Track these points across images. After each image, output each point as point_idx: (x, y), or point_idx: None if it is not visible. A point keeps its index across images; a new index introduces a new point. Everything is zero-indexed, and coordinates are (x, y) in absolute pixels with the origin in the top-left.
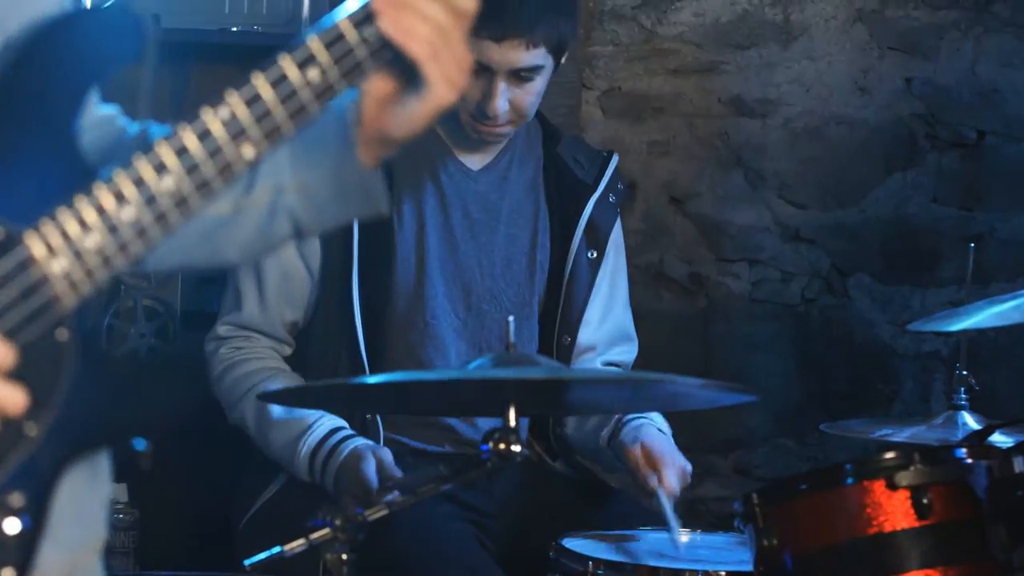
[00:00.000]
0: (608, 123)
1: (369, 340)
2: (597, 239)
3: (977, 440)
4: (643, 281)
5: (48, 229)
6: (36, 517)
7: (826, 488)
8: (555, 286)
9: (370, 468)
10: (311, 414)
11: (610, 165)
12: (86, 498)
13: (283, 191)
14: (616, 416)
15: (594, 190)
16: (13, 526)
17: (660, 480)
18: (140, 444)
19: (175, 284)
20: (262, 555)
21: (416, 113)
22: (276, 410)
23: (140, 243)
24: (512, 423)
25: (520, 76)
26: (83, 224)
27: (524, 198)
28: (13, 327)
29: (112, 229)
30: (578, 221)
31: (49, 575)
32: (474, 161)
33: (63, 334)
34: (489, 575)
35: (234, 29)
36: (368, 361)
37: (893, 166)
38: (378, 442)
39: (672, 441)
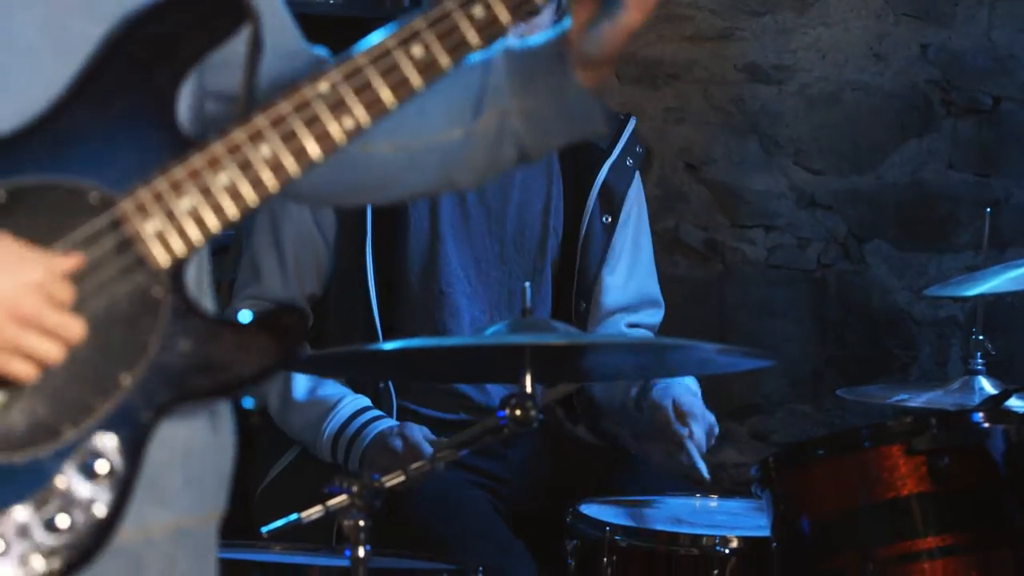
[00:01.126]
0: (623, 90)
1: (383, 309)
2: (612, 203)
3: (994, 405)
4: (659, 247)
5: (141, 192)
6: (129, 461)
7: (843, 453)
8: (569, 252)
9: (417, 436)
10: (333, 395)
11: (627, 128)
12: (201, 466)
13: (508, 115)
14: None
15: (609, 154)
16: (104, 466)
17: (689, 434)
18: (248, 403)
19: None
20: (279, 522)
21: (608, 35)
22: (299, 391)
23: (235, 207)
24: (528, 389)
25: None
26: (176, 186)
27: (537, 164)
28: (106, 281)
29: (205, 191)
30: (592, 186)
31: (154, 534)
32: None
33: (158, 291)
34: (504, 541)
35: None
36: (382, 330)
37: (909, 132)
38: (391, 412)
39: (701, 400)
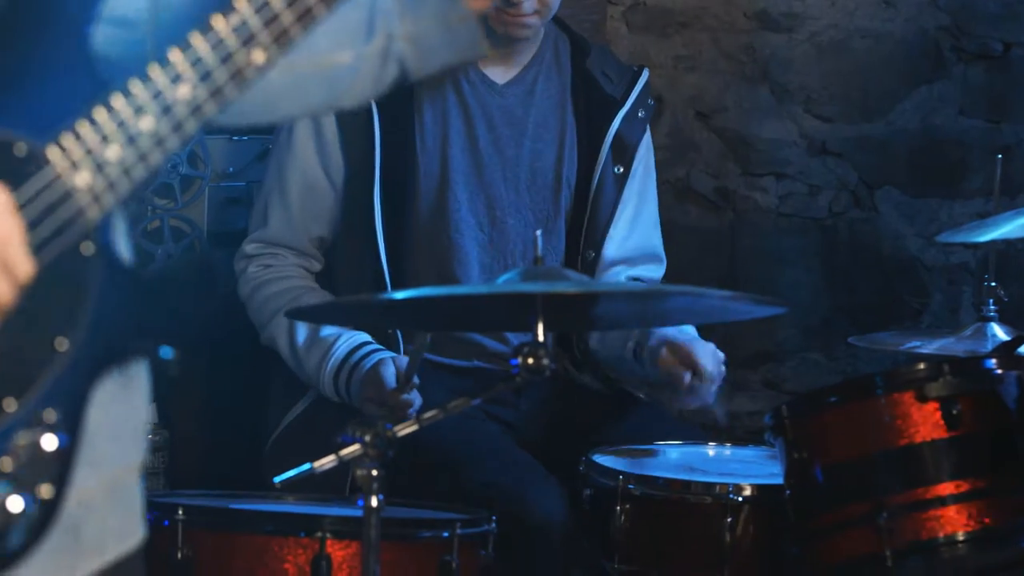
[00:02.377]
0: (633, 38)
1: (392, 255)
2: (624, 154)
3: (1006, 351)
4: (670, 196)
5: (69, 143)
6: (72, 433)
7: (856, 400)
8: (581, 201)
9: (388, 371)
10: (332, 334)
11: (640, 80)
12: (121, 418)
13: (394, 39)
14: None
15: (622, 105)
16: (50, 442)
17: (696, 371)
18: (167, 352)
19: (201, 204)
20: (292, 472)
21: None
22: (301, 334)
23: (159, 152)
24: (541, 337)
25: None
26: (103, 136)
27: (550, 113)
28: (40, 242)
29: (131, 140)
30: (605, 136)
31: (86, 494)
32: (499, 74)
33: (88, 248)
34: (520, 460)
35: None
36: (391, 276)
37: (919, 79)
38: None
39: (696, 333)
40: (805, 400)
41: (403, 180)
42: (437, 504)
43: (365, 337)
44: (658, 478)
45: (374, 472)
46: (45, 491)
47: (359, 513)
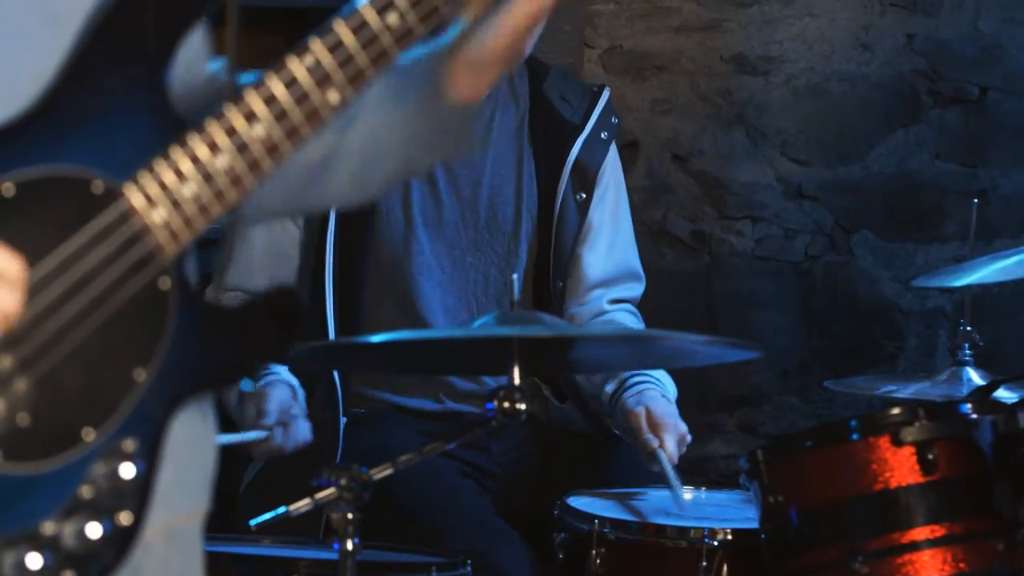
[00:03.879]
0: (610, 81)
1: (343, 299)
2: (585, 181)
3: (981, 395)
4: (647, 239)
5: (146, 180)
6: (149, 462)
7: (831, 444)
8: (545, 232)
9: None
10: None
11: (600, 101)
12: (189, 462)
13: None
14: (622, 375)
15: (581, 130)
16: (128, 471)
17: (660, 444)
18: (247, 385)
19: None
20: (267, 515)
21: (503, 27)
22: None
23: (235, 191)
24: (517, 381)
25: None
26: (179, 174)
27: (508, 147)
28: (118, 278)
29: (207, 177)
30: (564, 164)
31: (150, 537)
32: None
33: (165, 282)
34: (494, 527)
35: None
36: (338, 321)
37: (895, 122)
38: (336, 405)
39: (675, 407)
40: (781, 444)
41: (363, 225)
42: (413, 547)
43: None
44: (632, 522)
45: (349, 515)
46: (124, 518)
47: (335, 556)
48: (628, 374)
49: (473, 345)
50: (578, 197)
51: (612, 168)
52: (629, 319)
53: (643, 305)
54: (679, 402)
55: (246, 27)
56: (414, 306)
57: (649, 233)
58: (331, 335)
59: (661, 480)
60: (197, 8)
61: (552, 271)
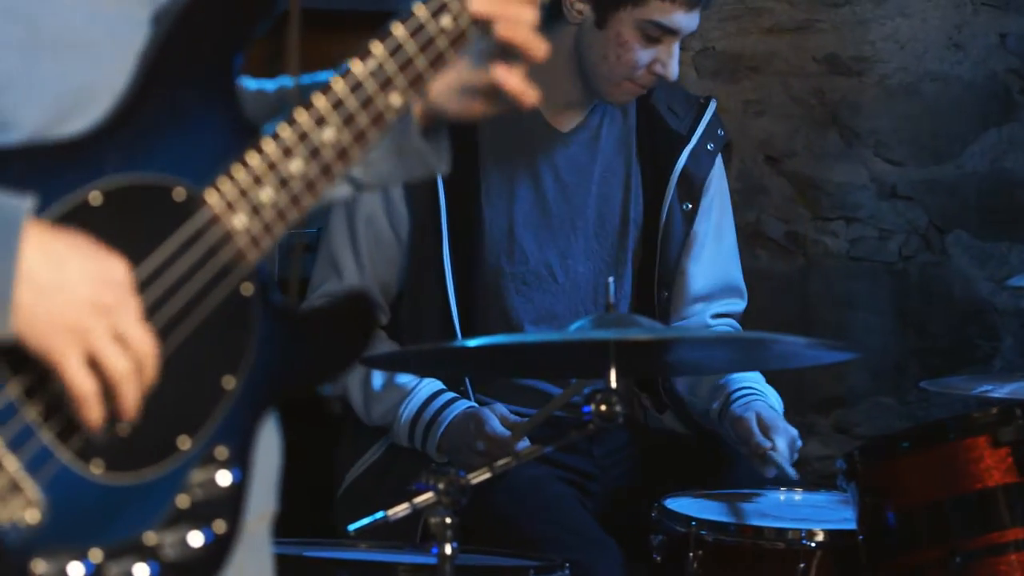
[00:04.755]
0: (702, 83)
1: (461, 307)
2: (691, 191)
3: None
4: (741, 240)
5: (226, 186)
6: (244, 469)
7: (928, 445)
8: (650, 241)
9: (495, 425)
10: (409, 381)
11: (707, 112)
12: (258, 464)
13: None
14: (727, 391)
15: (688, 140)
16: (225, 478)
17: (772, 447)
18: (328, 389)
19: (273, 250)
20: (365, 520)
21: (477, 107)
22: (376, 381)
23: (309, 195)
24: (614, 384)
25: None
26: (257, 179)
27: (615, 155)
28: (205, 285)
29: (283, 182)
30: (671, 174)
31: None
32: (564, 122)
33: (248, 288)
34: (593, 536)
35: None
36: (460, 329)
37: (989, 121)
38: None
39: (782, 416)
40: (878, 445)
41: (470, 232)
42: (511, 551)
43: (441, 384)
44: (730, 524)
45: (447, 520)
46: (220, 526)
47: (433, 561)
48: (733, 388)
49: (570, 349)
50: (684, 207)
51: (718, 180)
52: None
53: None
54: None
55: (306, 30)
56: (519, 313)
57: (743, 235)
58: (458, 337)
59: (764, 480)
60: (262, 13)
61: (657, 281)
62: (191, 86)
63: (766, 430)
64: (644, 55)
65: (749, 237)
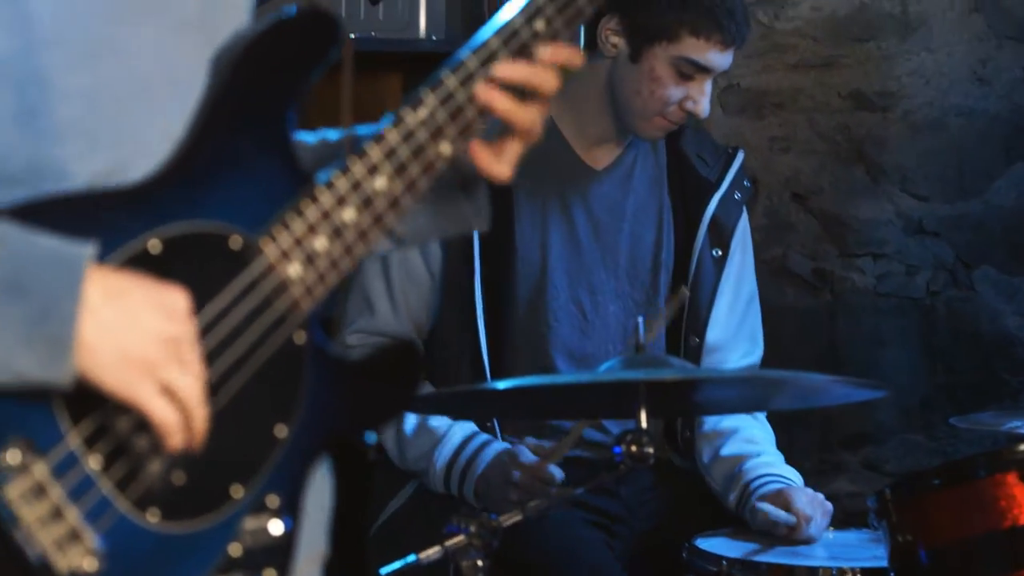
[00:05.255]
0: (728, 120)
1: (492, 345)
2: (721, 237)
3: None
4: (767, 277)
5: (280, 235)
6: (294, 518)
7: (959, 482)
8: (679, 285)
9: (523, 449)
10: (441, 425)
11: (735, 162)
12: (309, 508)
13: None
14: (743, 481)
15: (717, 187)
16: (276, 527)
17: (800, 519)
18: (371, 438)
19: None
20: (397, 563)
21: (491, 159)
22: (409, 424)
23: (362, 245)
24: (644, 424)
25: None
26: (311, 228)
27: (648, 195)
28: (261, 334)
29: (337, 232)
30: (702, 218)
31: None
32: (598, 159)
33: (301, 337)
34: None
35: (352, 35)
36: (490, 367)
37: (1015, 155)
38: None
39: (799, 479)
40: (908, 482)
41: (503, 268)
42: None
43: (473, 427)
44: (761, 563)
45: (479, 562)
46: (270, 575)
47: None
48: (749, 478)
49: (600, 389)
50: (715, 253)
51: (742, 231)
52: None
53: (764, 343)
54: (803, 440)
55: (358, 71)
56: (548, 351)
57: (770, 271)
58: (488, 378)
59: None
60: (317, 62)
61: (686, 326)
62: (247, 134)
63: (785, 503)
64: (676, 91)
65: (775, 274)
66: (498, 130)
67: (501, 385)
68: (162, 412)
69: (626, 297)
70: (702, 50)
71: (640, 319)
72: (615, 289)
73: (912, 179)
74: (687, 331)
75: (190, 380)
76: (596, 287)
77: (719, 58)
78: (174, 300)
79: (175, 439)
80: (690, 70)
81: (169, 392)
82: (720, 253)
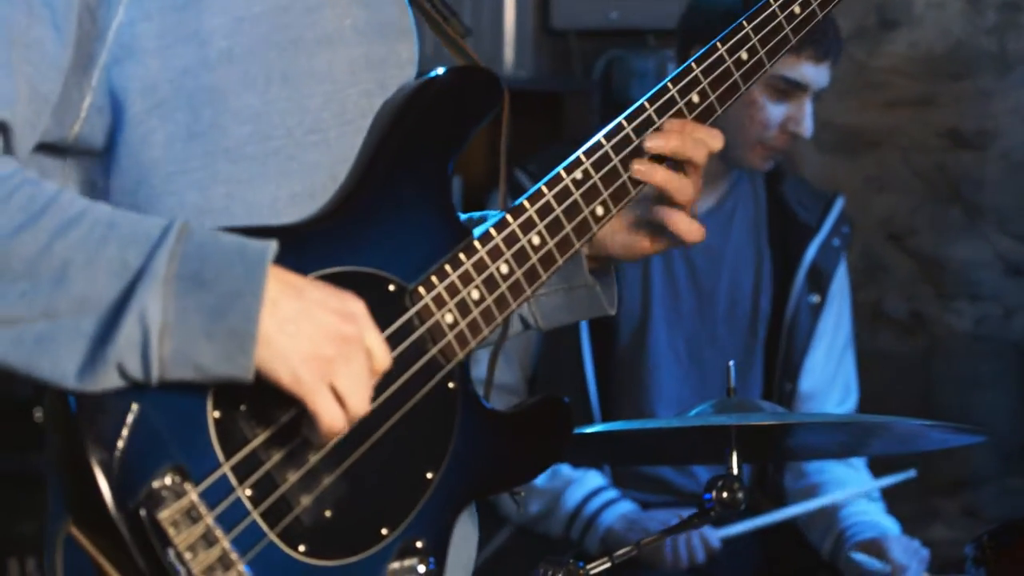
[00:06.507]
0: (823, 159)
1: (602, 394)
2: (819, 283)
3: None
4: (862, 320)
5: (437, 283)
6: (439, 562)
7: None
8: (776, 331)
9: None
10: (564, 477)
11: (834, 207)
12: (455, 559)
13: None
14: (837, 529)
15: (816, 233)
16: (423, 568)
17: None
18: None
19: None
20: None
21: (641, 247)
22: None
23: (513, 298)
24: (735, 470)
25: (812, 96)
26: (466, 278)
27: (747, 241)
28: (414, 378)
29: (490, 283)
30: (799, 264)
31: None
32: (698, 203)
33: (454, 385)
34: None
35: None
36: (601, 415)
37: None
38: None
39: (895, 528)
40: (1008, 529)
41: (606, 320)
42: None
43: (601, 479)
44: None
45: None
46: None
47: None
48: (843, 526)
49: (690, 434)
50: (812, 299)
51: (841, 278)
52: None
53: (860, 387)
54: (899, 486)
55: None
56: (648, 398)
57: (865, 314)
58: (597, 421)
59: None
60: (482, 115)
61: (781, 371)
62: (409, 184)
63: (879, 551)
64: (775, 112)
65: (871, 317)
66: (654, 198)
67: (590, 429)
68: (332, 415)
69: (723, 343)
70: (794, 65)
71: (731, 363)
72: (712, 335)
73: (1010, 219)
74: (781, 377)
75: (357, 389)
76: (693, 334)
77: (813, 72)
78: (351, 304)
79: (330, 436)
80: (785, 87)
81: (336, 391)
82: (818, 299)
